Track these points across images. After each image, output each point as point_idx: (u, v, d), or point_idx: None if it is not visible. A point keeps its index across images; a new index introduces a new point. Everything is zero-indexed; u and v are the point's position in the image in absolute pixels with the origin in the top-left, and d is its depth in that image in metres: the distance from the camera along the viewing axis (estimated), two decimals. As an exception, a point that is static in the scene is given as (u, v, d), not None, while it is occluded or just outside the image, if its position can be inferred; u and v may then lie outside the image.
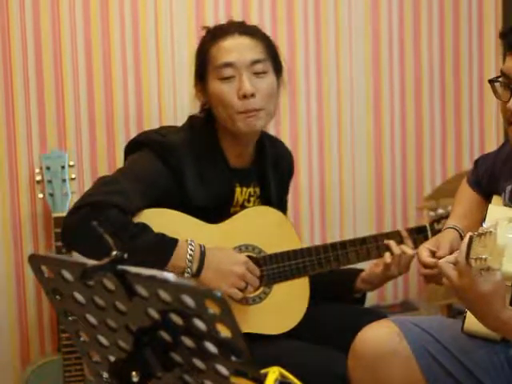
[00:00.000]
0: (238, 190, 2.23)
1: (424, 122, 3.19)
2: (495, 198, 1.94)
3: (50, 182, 2.58)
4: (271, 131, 2.54)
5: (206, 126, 2.21)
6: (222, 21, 2.29)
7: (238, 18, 2.34)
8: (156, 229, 2.05)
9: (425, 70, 3.17)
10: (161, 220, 2.08)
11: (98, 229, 1.31)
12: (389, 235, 2.29)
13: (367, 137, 3.12)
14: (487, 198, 2.01)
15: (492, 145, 3.11)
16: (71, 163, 2.60)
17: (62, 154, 2.61)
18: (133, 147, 2.21)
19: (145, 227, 2.03)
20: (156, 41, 2.81)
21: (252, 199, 2.27)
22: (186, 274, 2.02)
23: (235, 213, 2.21)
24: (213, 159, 2.18)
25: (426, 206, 2.96)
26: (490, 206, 1.87)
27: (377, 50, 3.10)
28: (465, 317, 1.83)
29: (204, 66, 2.18)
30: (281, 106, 2.31)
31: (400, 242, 2.26)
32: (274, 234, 2.23)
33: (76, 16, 2.72)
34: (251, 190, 2.27)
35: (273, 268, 2.19)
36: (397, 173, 3.17)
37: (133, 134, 2.77)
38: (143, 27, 2.79)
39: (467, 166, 3.01)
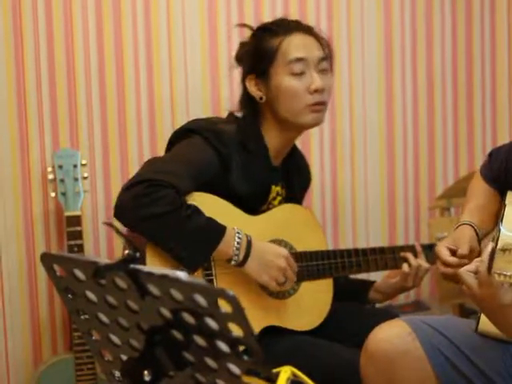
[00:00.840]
0: (272, 187, 2.27)
1: (436, 121, 3.19)
2: (510, 195, 1.90)
3: (62, 180, 2.58)
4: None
5: (251, 121, 2.23)
6: (235, 12, 2.28)
7: (249, 11, 2.29)
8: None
9: (437, 67, 3.16)
10: (206, 204, 2.08)
11: (113, 226, 1.31)
12: (404, 248, 2.36)
13: (379, 136, 3.11)
14: (502, 192, 1.96)
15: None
16: (83, 162, 2.60)
17: (75, 153, 2.61)
18: (182, 134, 2.21)
19: (197, 210, 2.04)
20: (168, 39, 2.81)
21: (278, 198, 2.30)
22: (232, 262, 2.05)
23: (264, 209, 2.24)
24: (257, 154, 2.20)
25: (438, 205, 2.96)
26: (508, 206, 1.84)
27: (389, 49, 3.10)
28: (479, 317, 1.83)
29: (268, 61, 2.18)
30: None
31: (414, 255, 2.33)
32: (304, 232, 2.27)
33: (88, 14, 2.72)
34: (278, 189, 2.30)
35: (304, 265, 2.22)
36: (409, 172, 3.16)
37: (145, 133, 2.78)
38: (155, 23, 2.80)
39: (480, 165, 2.99)
